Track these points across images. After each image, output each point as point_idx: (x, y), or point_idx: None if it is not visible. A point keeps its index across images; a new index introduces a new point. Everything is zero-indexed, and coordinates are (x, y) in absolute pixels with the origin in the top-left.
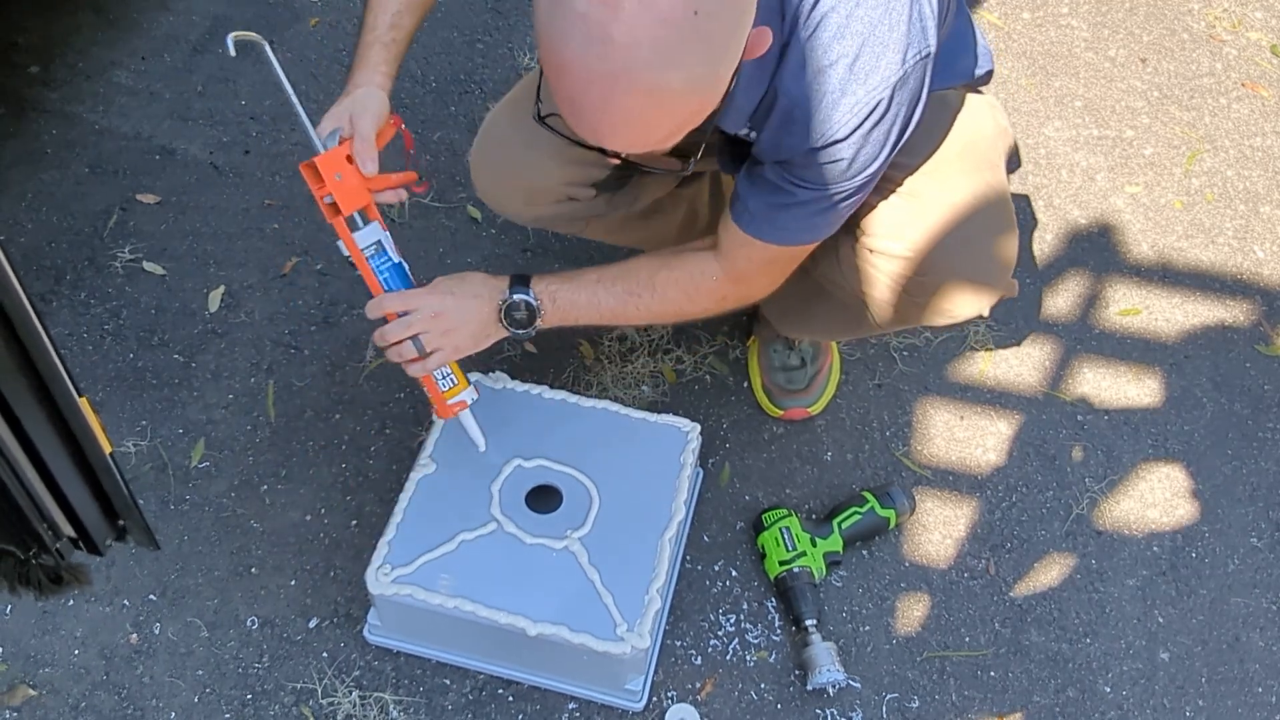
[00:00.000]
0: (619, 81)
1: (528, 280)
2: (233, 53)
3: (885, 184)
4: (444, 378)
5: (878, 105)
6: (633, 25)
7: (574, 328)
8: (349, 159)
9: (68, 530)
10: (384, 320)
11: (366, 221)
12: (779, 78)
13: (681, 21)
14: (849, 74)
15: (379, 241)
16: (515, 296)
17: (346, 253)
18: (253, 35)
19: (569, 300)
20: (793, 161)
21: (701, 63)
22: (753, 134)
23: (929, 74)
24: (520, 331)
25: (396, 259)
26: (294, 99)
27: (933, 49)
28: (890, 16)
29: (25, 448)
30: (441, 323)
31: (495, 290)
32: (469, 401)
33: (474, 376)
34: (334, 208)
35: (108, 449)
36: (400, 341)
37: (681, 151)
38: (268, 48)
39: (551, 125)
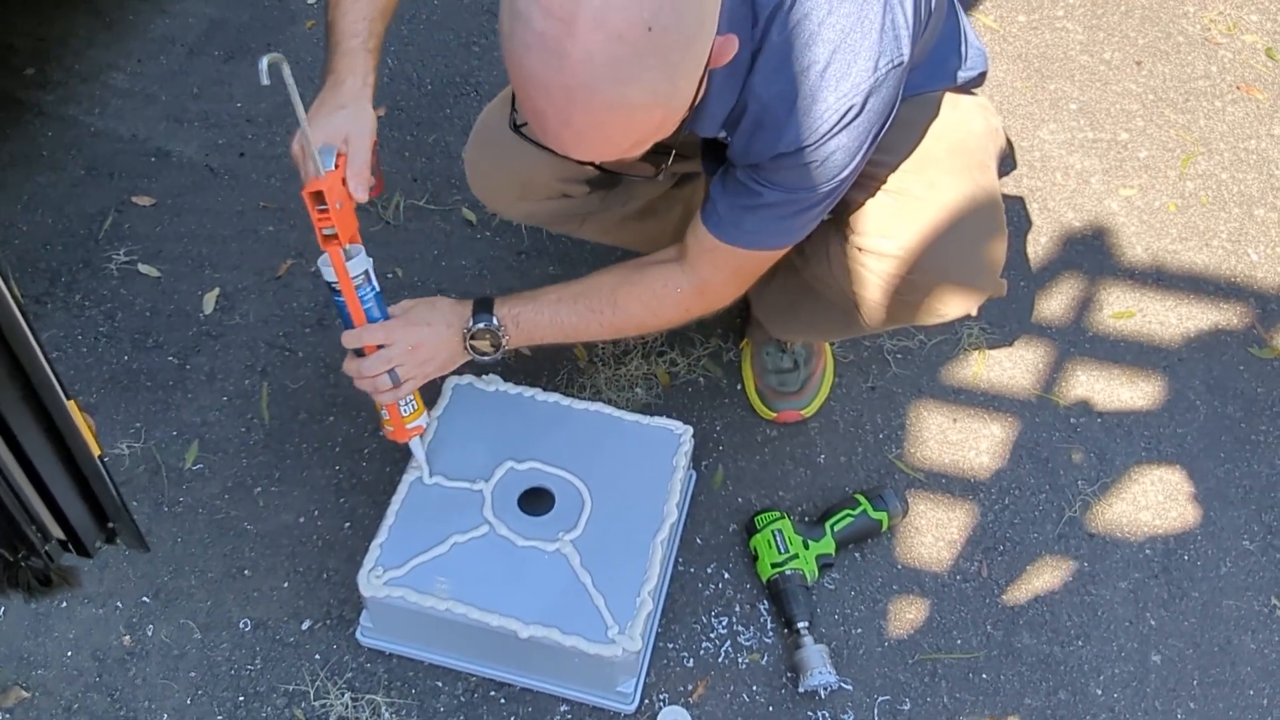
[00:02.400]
0: (577, 96)
1: (491, 305)
2: (265, 80)
3: (869, 181)
4: (406, 403)
5: (849, 111)
6: (587, 42)
7: None
8: (344, 182)
9: (57, 533)
10: (357, 349)
11: (355, 248)
12: (751, 83)
13: (636, 37)
14: (820, 80)
15: (366, 271)
16: (478, 324)
17: (331, 279)
18: (278, 55)
19: (531, 321)
20: (762, 165)
21: (658, 77)
22: (728, 136)
23: (902, 83)
24: (485, 356)
25: (378, 287)
26: (306, 126)
27: (906, 58)
28: (863, 25)
29: (13, 450)
30: (418, 354)
31: (461, 317)
32: (424, 426)
33: (466, 379)
34: (331, 237)
35: (97, 452)
36: (378, 374)
37: (658, 153)
38: (286, 69)
39: (526, 134)
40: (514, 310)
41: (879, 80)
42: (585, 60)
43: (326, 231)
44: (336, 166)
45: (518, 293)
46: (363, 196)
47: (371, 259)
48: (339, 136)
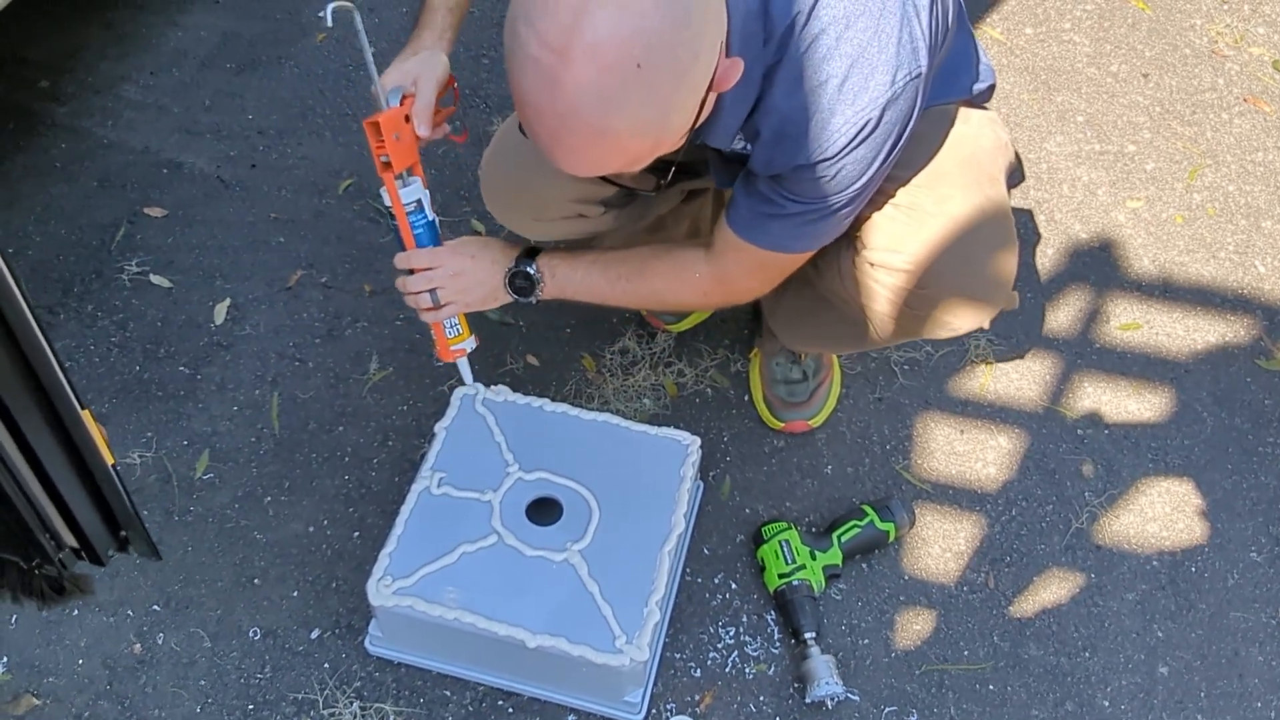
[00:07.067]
0: (566, 121)
1: (535, 254)
2: (330, 23)
3: (880, 196)
4: (451, 326)
5: (866, 124)
6: (578, 73)
7: (575, 339)
8: (407, 118)
9: (70, 541)
10: (409, 270)
11: (411, 179)
12: (772, 97)
13: (625, 72)
14: (838, 94)
15: (419, 200)
16: (518, 268)
17: (389, 203)
18: (347, 4)
19: (565, 276)
20: (784, 176)
21: (646, 109)
22: (748, 146)
23: (920, 94)
24: (522, 299)
25: (431, 217)
26: (370, 61)
27: (924, 70)
28: (880, 39)
29: (28, 458)
30: (459, 281)
31: (507, 258)
32: (468, 350)
33: (475, 389)
34: (387, 165)
35: (110, 460)
36: (420, 292)
37: (660, 168)
38: (357, 17)
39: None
40: (552, 263)
41: (896, 93)
42: (575, 89)
43: (383, 159)
44: (402, 103)
45: (562, 250)
46: (425, 133)
47: (429, 191)
48: (409, 79)
